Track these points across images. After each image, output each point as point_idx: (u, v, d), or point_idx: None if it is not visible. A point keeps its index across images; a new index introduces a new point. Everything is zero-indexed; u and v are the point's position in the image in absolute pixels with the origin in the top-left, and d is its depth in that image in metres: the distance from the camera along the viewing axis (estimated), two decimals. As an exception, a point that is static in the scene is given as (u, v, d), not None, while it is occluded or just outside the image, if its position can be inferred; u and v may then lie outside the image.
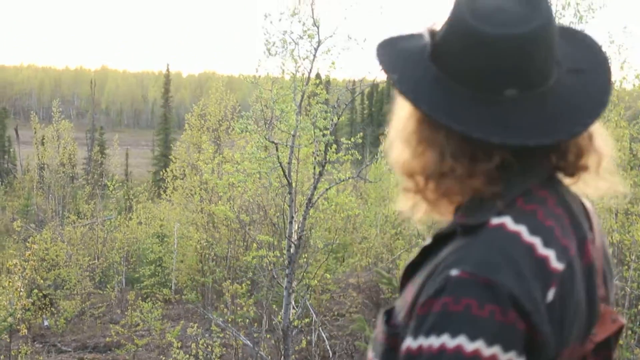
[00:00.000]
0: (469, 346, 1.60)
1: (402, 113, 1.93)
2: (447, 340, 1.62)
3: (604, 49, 1.96)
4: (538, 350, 1.67)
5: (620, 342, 12.48)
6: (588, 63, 1.91)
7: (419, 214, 1.99)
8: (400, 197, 2.01)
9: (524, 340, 1.64)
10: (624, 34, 17.34)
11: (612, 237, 14.43)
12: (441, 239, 1.86)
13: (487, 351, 1.60)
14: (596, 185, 1.95)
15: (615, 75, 14.79)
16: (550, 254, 1.71)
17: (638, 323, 15.03)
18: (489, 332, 1.61)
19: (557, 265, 1.71)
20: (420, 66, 1.87)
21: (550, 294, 1.69)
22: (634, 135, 15.68)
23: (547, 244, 1.72)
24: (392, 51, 1.94)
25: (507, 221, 1.73)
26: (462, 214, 1.83)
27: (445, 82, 1.82)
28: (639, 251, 16.80)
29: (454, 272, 1.67)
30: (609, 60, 1.95)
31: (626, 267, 16.60)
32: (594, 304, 1.82)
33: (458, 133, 1.77)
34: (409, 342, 1.69)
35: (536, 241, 1.72)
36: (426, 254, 1.89)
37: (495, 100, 1.78)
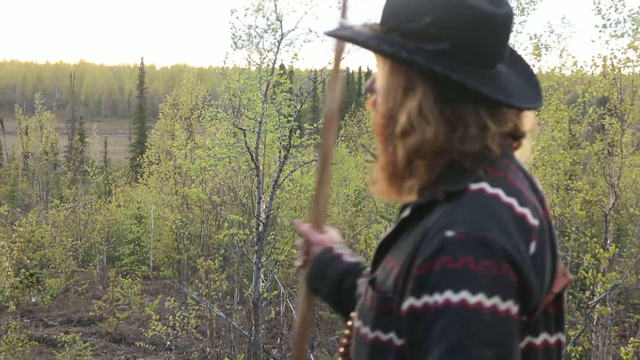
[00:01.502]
0: (472, 299, 1.61)
1: (386, 78, 1.89)
2: (450, 296, 1.62)
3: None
4: (527, 299, 1.69)
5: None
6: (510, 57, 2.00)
7: (377, 189, 2.00)
8: (372, 170, 2.03)
9: (517, 291, 1.66)
10: (563, 24, 17.60)
11: (553, 211, 14.98)
12: (420, 209, 1.85)
13: (488, 302, 1.61)
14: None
15: (555, 62, 14.84)
16: (526, 211, 1.75)
17: (578, 288, 15.24)
18: (487, 285, 1.62)
19: (533, 221, 1.75)
20: (397, 41, 1.84)
21: (532, 247, 1.72)
22: (572, 117, 15.97)
23: (521, 204, 1.76)
24: (349, 31, 1.95)
25: (485, 186, 1.76)
26: (441, 184, 1.82)
27: (447, 59, 1.80)
28: (578, 223, 17.02)
29: (450, 233, 1.67)
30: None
31: (567, 237, 16.84)
32: (556, 258, 1.86)
33: (461, 97, 1.79)
34: (412, 302, 1.70)
35: (513, 201, 1.76)
36: (403, 225, 1.90)
37: (491, 74, 1.83)
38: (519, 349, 1.69)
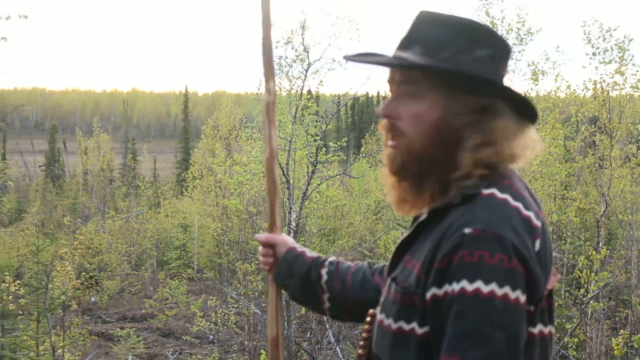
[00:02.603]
0: (485, 288, 1.66)
1: (434, 111, 1.88)
2: (466, 285, 1.68)
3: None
4: (533, 290, 1.74)
5: (560, 302, 12.54)
6: None
7: (391, 199, 2.04)
8: (383, 177, 2.07)
9: (524, 282, 1.70)
10: (557, 52, 17.35)
11: (551, 218, 14.34)
12: (436, 213, 1.89)
13: (499, 291, 1.66)
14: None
15: (551, 86, 14.63)
16: (530, 214, 1.79)
17: (574, 286, 15.03)
18: (499, 276, 1.67)
19: (537, 222, 1.80)
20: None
21: (537, 245, 1.77)
22: (567, 134, 15.68)
23: (526, 207, 1.80)
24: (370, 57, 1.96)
25: (495, 191, 1.81)
26: (462, 189, 1.84)
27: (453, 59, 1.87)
28: (573, 228, 16.85)
29: (467, 230, 1.72)
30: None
31: (563, 241, 16.58)
32: (551, 258, 1.87)
33: (481, 94, 1.87)
34: (434, 291, 1.75)
35: (519, 205, 1.80)
36: (421, 227, 1.94)
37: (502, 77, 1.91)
38: (525, 334, 1.74)
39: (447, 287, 1.71)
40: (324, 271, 2.37)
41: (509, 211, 1.77)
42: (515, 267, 1.69)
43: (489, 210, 1.76)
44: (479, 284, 1.67)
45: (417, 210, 2.00)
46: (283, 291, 2.48)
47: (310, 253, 2.43)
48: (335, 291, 2.34)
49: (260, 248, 2.48)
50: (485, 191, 1.81)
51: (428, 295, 1.77)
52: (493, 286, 1.66)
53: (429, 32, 1.90)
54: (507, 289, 1.67)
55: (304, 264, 2.39)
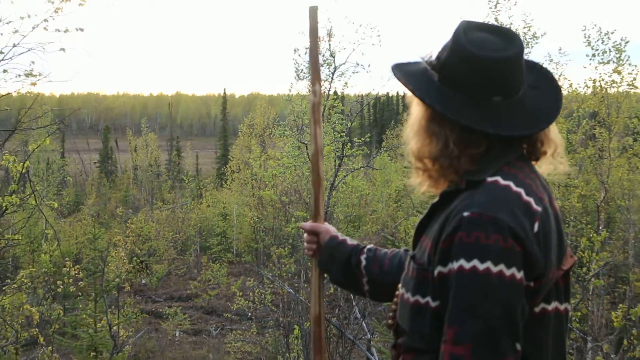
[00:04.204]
0: (481, 266, 1.69)
1: (416, 114, 1.98)
2: (464, 263, 1.71)
3: (551, 73, 2.05)
4: (531, 267, 1.74)
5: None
6: (542, 83, 1.99)
7: (423, 188, 2.04)
8: (411, 176, 2.07)
9: (521, 260, 1.71)
10: (560, 54, 17.12)
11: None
12: (447, 196, 1.92)
13: (495, 269, 1.69)
14: (551, 165, 2.02)
15: None
16: (531, 199, 1.79)
17: (576, 265, 15.00)
18: (494, 255, 1.69)
19: (536, 207, 1.79)
20: (427, 80, 1.93)
21: (536, 227, 1.76)
22: (569, 128, 15.54)
23: (527, 194, 1.80)
24: (402, 71, 1.99)
25: (499, 179, 1.82)
26: (467, 176, 1.88)
27: (447, 91, 1.90)
28: (575, 213, 16.76)
29: (466, 214, 1.75)
30: (556, 80, 2.04)
31: (567, 225, 16.52)
32: (563, 242, 1.89)
33: (459, 126, 1.87)
34: (440, 269, 1.78)
35: (521, 191, 1.80)
36: (434, 210, 1.97)
37: (486, 104, 1.87)
38: (524, 307, 1.75)
39: (450, 265, 1.75)
40: (363, 257, 2.37)
41: (509, 196, 1.78)
42: (511, 246, 1.70)
43: (488, 196, 1.78)
44: (475, 262, 1.69)
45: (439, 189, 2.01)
46: (326, 275, 2.47)
47: (351, 241, 2.43)
48: (374, 275, 2.34)
49: (305, 235, 2.49)
50: (490, 178, 1.83)
51: (435, 272, 1.80)
52: (488, 264, 1.68)
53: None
54: (502, 267, 1.69)
55: (345, 250, 2.39)
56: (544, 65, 2.06)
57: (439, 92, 1.90)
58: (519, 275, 1.71)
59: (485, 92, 1.87)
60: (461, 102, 1.87)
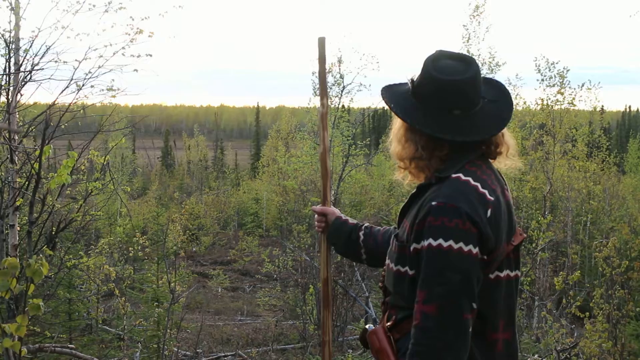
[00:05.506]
0: (445, 244, 1.70)
1: (396, 125, 1.97)
2: (432, 241, 1.72)
3: (507, 87, 2.00)
4: (485, 244, 1.74)
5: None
6: (498, 96, 1.95)
7: (407, 180, 2.02)
8: (396, 172, 2.04)
9: (477, 239, 1.72)
10: (517, 78, 17.19)
11: (511, 194, 14.33)
12: (422, 188, 1.91)
13: (455, 245, 1.70)
14: (505, 163, 1.99)
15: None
16: (485, 191, 1.78)
17: (527, 242, 14.95)
18: (455, 235, 1.70)
19: (490, 197, 1.79)
20: (406, 99, 1.91)
21: (489, 213, 1.76)
22: (523, 136, 15.51)
23: (483, 187, 1.80)
24: (389, 91, 1.97)
25: (461, 175, 1.81)
26: (436, 173, 1.87)
27: (419, 107, 1.88)
28: (527, 201, 16.77)
29: (434, 203, 1.75)
30: (510, 94, 1.99)
31: (520, 210, 16.48)
32: (512, 223, 1.88)
33: (426, 135, 1.86)
34: (415, 245, 1.79)
35: (478, 185, 1.79)
36: (413, 199, 1.95)
37: (447, 116, 1.84)
38: (479, 275, 1.75)
39: (422, 243, 1.75)
40: (361, 233, 2.34)
41: (468, 189, 1.77)
42: (468, 228, 1.71)
43: (452, 189, 1.78)
44: (440, 240, 1.71)
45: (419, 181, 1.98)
46: (332, 247, 2.45)
47: (352, 221, 2.40)
48: (370, 247, 2.31)
49: (315, 216, 2.45)
50: (454, 175, 1.81)
51: (412, 248, 1.80)
52: (451, 242, 1.70)
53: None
54: (461, 244, 1.70)
55: (347, 228, 2.36)
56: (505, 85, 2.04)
57: (412, 107, 1.88)
58: (475, 250, 1.72)
59: (446, 106, 1.84)
60: (426, 115, 1.85)
